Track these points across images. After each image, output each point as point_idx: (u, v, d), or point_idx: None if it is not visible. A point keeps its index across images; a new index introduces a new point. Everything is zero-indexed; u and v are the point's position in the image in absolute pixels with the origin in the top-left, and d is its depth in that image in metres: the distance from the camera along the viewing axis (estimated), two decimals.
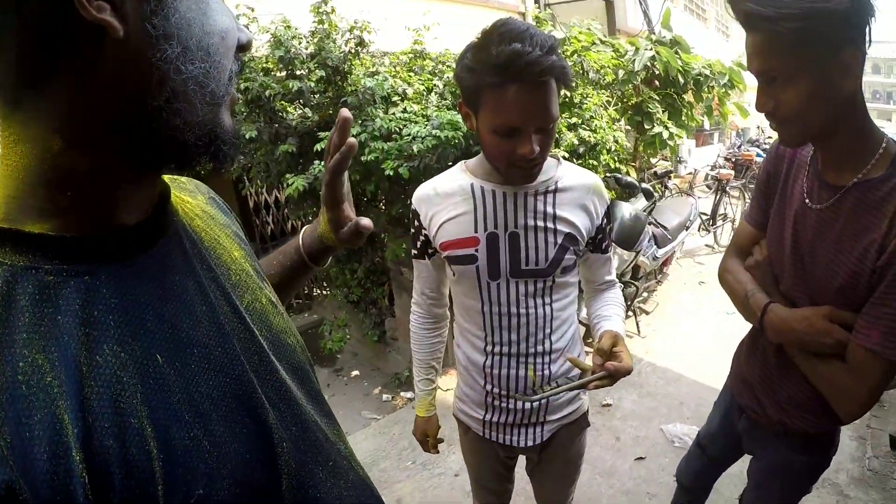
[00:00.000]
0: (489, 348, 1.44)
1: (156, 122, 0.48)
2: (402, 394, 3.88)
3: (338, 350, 4.20)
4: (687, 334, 4.48)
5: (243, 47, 0.57)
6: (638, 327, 4.47)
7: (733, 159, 12.06)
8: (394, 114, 2.99)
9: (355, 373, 4.32)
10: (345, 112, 0.78)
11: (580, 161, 3.48)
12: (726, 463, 1.93)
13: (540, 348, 1.42)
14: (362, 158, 2.89)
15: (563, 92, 1.25)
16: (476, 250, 1.33)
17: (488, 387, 1.47)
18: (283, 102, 3.29)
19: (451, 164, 2.97)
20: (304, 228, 0.94)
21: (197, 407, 0.50)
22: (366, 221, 0.83)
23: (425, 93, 3.24)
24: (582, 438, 1.65)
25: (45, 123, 0.45)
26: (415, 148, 2.74)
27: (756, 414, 1.51)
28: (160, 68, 0.47)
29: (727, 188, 7.71)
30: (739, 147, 15.24)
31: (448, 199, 1.36)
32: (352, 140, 0.77)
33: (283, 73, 3.40)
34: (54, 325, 0.44)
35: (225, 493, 0.49)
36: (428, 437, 1.68)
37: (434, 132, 2.76)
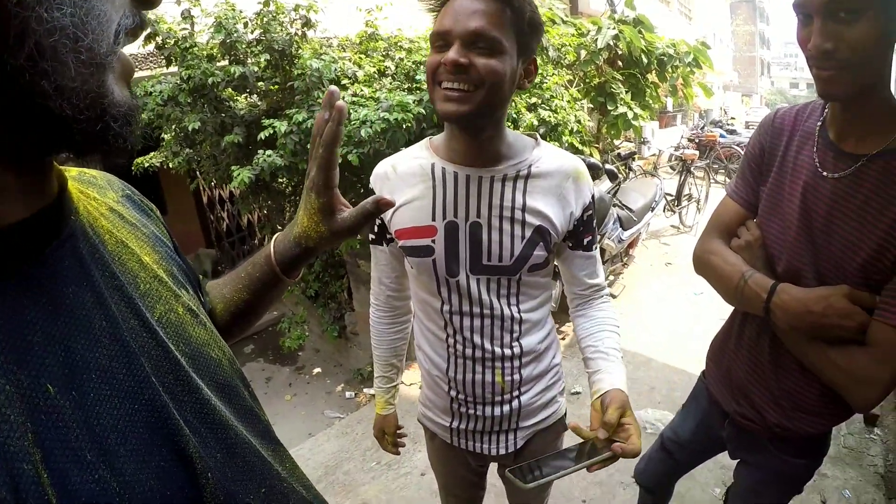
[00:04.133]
0: (452, 350, 1.28)
1: (20, 87, 0.38)
2: (364, 390, 3.77)
3: (298, 348, 4.07)
4: (655, 317, 4.46)
5: None
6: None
7: (697, 140, 12.29)
8: (343, 97, 2.83)
9: (317, 370, 4.20)
10: (332, 87, 0.73)
11: None
12: (691, 466, 1.84)
13: (508, 351, 1.27)
14: (309, 146, 2.73)
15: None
16: (433, 241, 1.17)
17: (452, 393, 1.32)
18: (229, 90, 3.11)
19: (402, 148, 2.86)
20: (276, 236, 0.85)
21: (101, 443, 0.43)
22: (386, 198, 0.73)
23: (377, 75, 3.09)
24: (559, 443, 1.51)
25: None
26: (363, 133, 2.61)
27: (748, 420, 1.41)
28: (17, 16, 0.37)
29: (692, 169, 7.75)
30: (703, 128, 15.55)
31: (406, 179, 1.20)
32: (340, 103, 0.71)
33: (227, 60, 3.22)
34: None
35: None
36: (386, 436, 1.57)
37: (383, 115, 2.63)
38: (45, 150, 0.44)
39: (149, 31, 3.03)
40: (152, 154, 3.95)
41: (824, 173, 1.18)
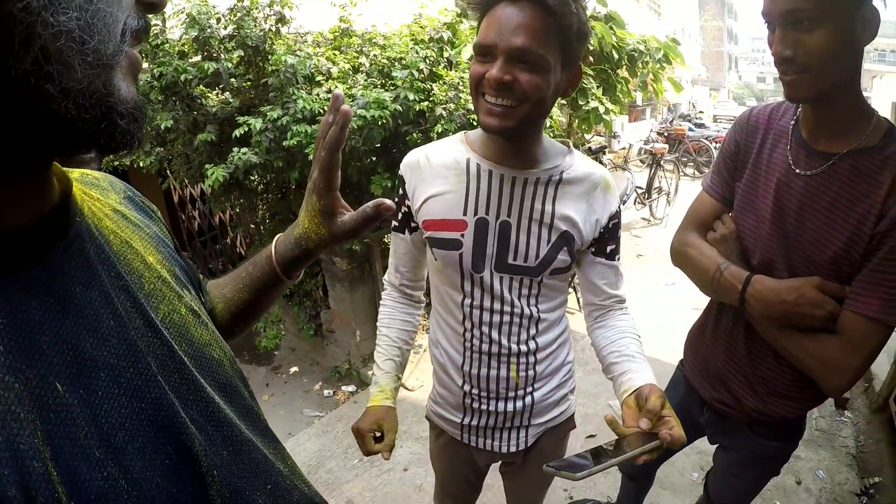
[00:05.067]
0: (468, 344, 1.28)
1: (25, 91, 0.38)
2: (343, 388, 3.76)
3: (274, 347, 4.03)
4: (630, 305, 4.51)
5: (151, 3, 0.46)
6: (579, 302, 4.46)
7: (666, 134, 12.51)
8: (318, 94, 2.82)
9: (294, 369, 4.17)
10: (337, 91, 0.74)
11: None
12: (675, 451, 1.89)
13: (524, 347, 1.27)
14: (284, 143, 2.71)
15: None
16: (462, 235, 1.17)
17: (466, 387, 1.32)
18: (201, 88, 3.06)
19: (378, 146, 2.86)
20: (277, 237, 0.85)
21: (108, 441, 0.43)
22: (388, 202, 0.72)
23: (351, 72, 3.08)
24: (566, 441, 1.51)
25: None
26: None
27: (726, 407, 1.45)
28: (23, 21, 0.36)
29: (661, 162, 7.89)
30: (672, 122, 15.78)
31: (439, 171, 1.20)
32: (345, 107, 0.72)
33: (199, 57, 3.16)
34: None
35: None
36: (380, 432, 1.32)
37: (360, 112, 2.62)
38: (50, 151, 0.44)
39: None
40: (121, 153, 3.86)
41: (797, 171, 1.23)
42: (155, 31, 3.17)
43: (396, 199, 1.27)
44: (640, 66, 5.51)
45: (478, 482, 1.60)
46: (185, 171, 3.45)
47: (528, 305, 1.24)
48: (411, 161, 1.24)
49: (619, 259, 1.31)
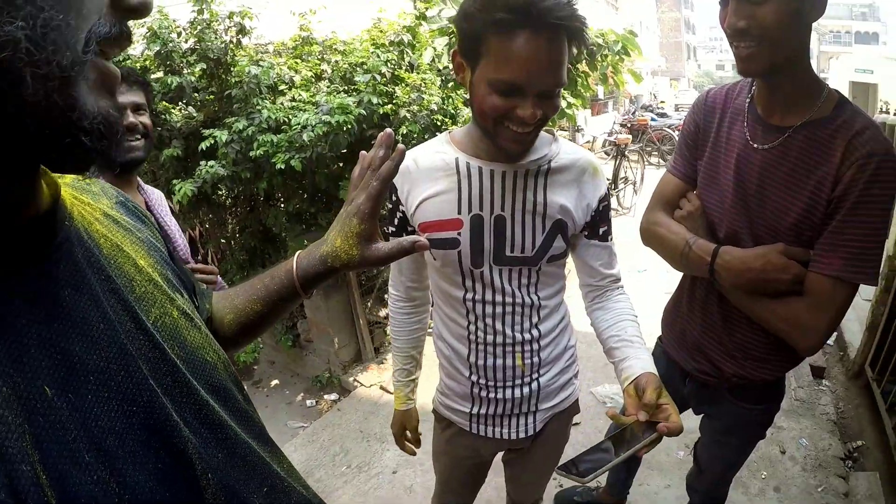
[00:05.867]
0: (473, 337, 1.31)
1: None
2: (325, 397, 3.74)
3: (253, 361, 4.00)
4: None
5: (130, 6, 0.43)
6: None
7: (629, 125, 12.73)
8: (281, 103, 2.82)
9: (275, 382, 4.13)
10: (387, 130, 0.80)
11: None
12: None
13: (528, 336, 1.31)
14: (251, 154, 2.70)
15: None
16: (459, 234, 1.19)
17: (473, 377, 1.35)
18: (164, 103, 3.02)
19: (344, 151, 2.86)
20: (298, 252, 0.86)
21: (99, 444, 0.43)
22: (424, 241, 0.79)
23: (314, 79, 3.08)
24: (570, 426, 1.56)
25: None
26: (305, 137, 2.59)
27: (706, 375, 1.50)
28: None
29: (626, 152, 8.02)
30: (634, 113, 16.02)
31: (429, 173, 1.22)
32: (401, 146, 0.78)
33: (161, 72, 3.13)
34: None
35: None
36: (406, 431, 1.56)
37: (324, 118, 2.62)
38: (24, 165, 0.43)
39: None
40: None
41: (755, 145, 1.29)
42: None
43: (390, 206, 1.29)
44: (600, 59, 5.60)
45: (480, 476, 1.62)
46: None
47: (529, 294, 1.27)
48: (401, 167, 1.24)
49: (612, 240, 1.35)
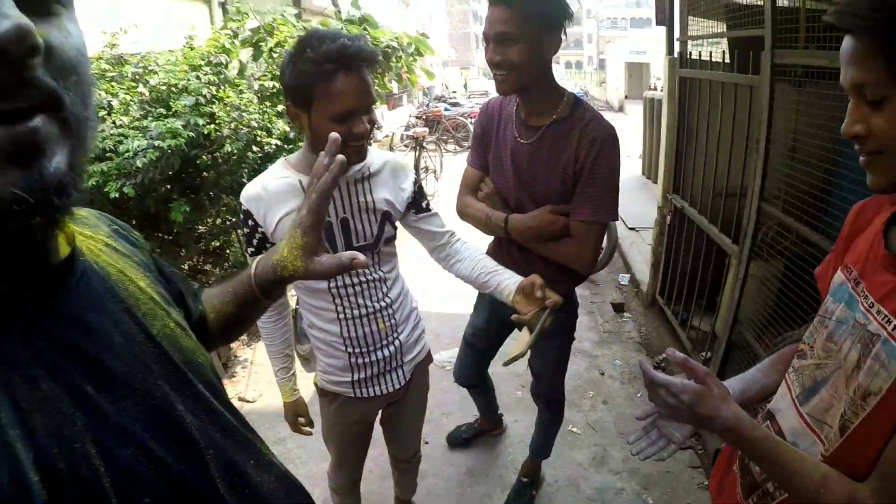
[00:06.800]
0: (342, 316, 1.59)
1: None
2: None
3: None
4: (422, 276, 4.82)
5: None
6: None
7: (424, 117, 13.12)
8: (103, 130, 2.78)
9: None
10: (333, 133, 0.82)
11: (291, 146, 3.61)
12: (493, 352, 2.44)
13: (383, 304, 1.62)
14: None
15: None
16: None
17: (349, 349, 1.63)
18: None
19: (171, 173, 2.88)
20: (257, 258, 0.90)
21: (129, 429, 0.52)
22: (362, 258, 0.80)
23: (133, 104, 3.05)
24: (428, 375, 1.92)
25: None
26: (139, 163, 2.62)
27: None
28: None
29: (424, 144, 8.57)
30: (428, 105, 16.67)
31: (279, 196, 1.44)
32: (340, 156, 0.79)
33: None
34: None
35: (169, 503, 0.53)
36: (299, 417, 1.82)
37: (156, 143, 2.68)
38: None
39: None
40: None
41: (521, 140, 1.83)
42: None
43: (248, 230, 1.50)
44: (395, 60, 6.02)
45: (367, 438, 1.92)
46: None
47: (376, 271, 1.61)
48: (251, 194, 1.47)
49: (433, 208, 1.71)
